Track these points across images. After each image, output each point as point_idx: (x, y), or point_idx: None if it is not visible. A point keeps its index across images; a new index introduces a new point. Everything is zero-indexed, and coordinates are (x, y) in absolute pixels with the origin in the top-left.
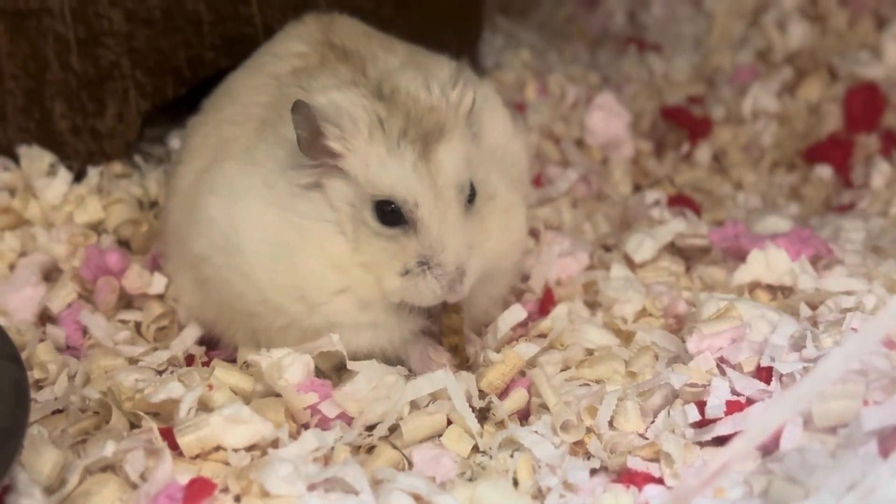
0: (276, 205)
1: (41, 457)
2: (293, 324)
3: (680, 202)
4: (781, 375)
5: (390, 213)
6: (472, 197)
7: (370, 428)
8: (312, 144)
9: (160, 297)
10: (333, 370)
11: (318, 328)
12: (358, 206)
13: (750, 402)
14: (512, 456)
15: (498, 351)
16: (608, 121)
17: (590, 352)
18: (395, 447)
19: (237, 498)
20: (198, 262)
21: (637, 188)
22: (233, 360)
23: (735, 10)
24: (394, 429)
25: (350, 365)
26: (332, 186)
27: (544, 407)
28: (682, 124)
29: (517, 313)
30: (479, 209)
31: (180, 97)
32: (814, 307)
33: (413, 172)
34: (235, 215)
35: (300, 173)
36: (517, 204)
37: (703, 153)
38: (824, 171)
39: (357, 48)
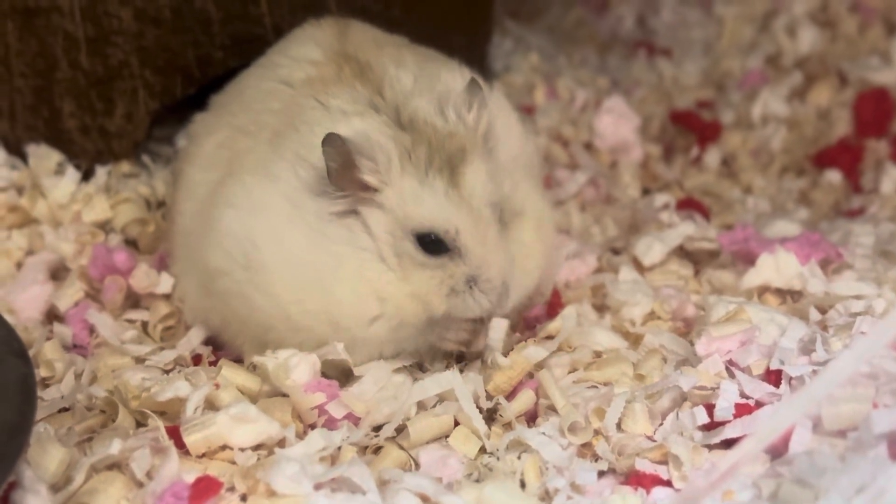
0: (302, 226)
1: (47, 454)
2: (312, 340)
3: (689, 206)
4: (791, 378)
5: (432, 244)
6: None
7: (377, 428)
8: (343, 176)
9: (167, 296)
10: (340, 372)
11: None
12: (398, 237)
13: (759, 404)
14: (519, 457)
15: (506, 354)
16: (617, 124)
17: (598, 354)
18: (401, 448)
19: (243, 497)
20: (213, 275)
21: (646, 192)
22: (240, 360)
23: (745, 15)
24: (401, 429)
25: (357, 370)
26: (369, 216)
27: (552, 409)
28: (691, 128)
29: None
30: (509, 225)
31: (189, 97)
32: (823, 311)
33: (447, 201)
34: (255, 230)
35: (331, 202)
36: (546, 215)
37: (713, 157)
38: (834, 176)
39: (369, 60)
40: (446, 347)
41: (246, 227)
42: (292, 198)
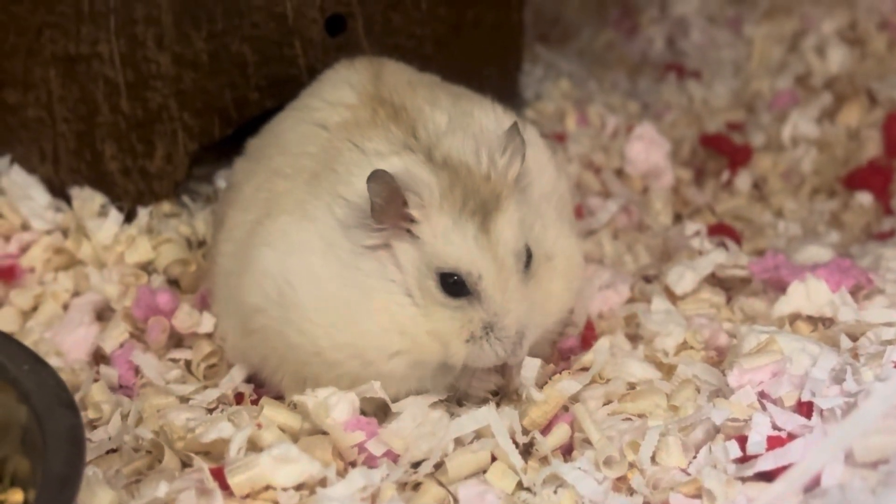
0: (335, 261)
1: (97, 497)
2: (345, 375)
3: (720, 231)
4: (822, 410)
5: (454, 285)
6: (528, 260)
7: (416, 465)
8: (386, 211)
9: (209, 335)
10: (377, 407)
11: (369, 378)
12: (423, 273)
13: (791, 437)
14: (556, 492)
15: (541, 387)
16: (648, 150)
17: (632, 385)
18: (440, 484)
19: None
20: (251, 312)
21: (677, 217)
22: (280, 398)
23: (774, 35)
24: (439, 465)
25: (394, 407)
26: (401, 248)
27: (587, 442)
28: (722, 152)
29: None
30: (538, 271)
31: (226, 137)
32: (854, 338)
33: (475, 245)
34: (290, 269)
35: (367, 235)
36: (576, 258)
37: (744, 181)
38: (864, 198)
39: (404, 102)
40: (476, 394)
41: (281, 267)
42: (327, 236)
